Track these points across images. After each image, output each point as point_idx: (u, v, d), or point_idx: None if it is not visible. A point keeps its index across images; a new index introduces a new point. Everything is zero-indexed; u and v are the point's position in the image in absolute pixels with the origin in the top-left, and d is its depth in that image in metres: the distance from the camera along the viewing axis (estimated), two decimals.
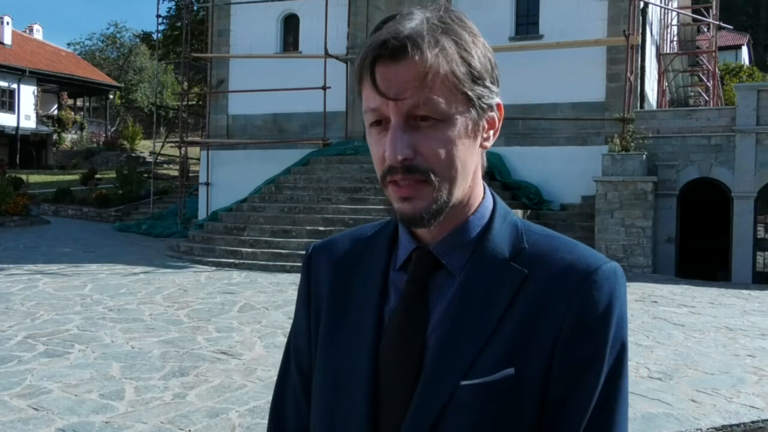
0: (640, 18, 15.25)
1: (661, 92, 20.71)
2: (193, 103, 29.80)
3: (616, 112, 14.21)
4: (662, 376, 5.69)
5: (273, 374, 5.35)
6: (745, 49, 41.50)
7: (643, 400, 5.02)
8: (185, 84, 21.57)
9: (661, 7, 18.75)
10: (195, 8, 26.74)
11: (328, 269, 1.07)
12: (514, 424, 0.90)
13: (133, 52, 45.66)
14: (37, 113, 35.09)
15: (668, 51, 21.82)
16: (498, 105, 0.96)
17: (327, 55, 16.37)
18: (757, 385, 5.50)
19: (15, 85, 34.00)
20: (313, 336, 1.06)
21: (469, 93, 0.91)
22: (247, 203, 15.83)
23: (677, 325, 7.86)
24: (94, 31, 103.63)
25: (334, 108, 16.53)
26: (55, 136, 35.80)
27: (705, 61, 22.96)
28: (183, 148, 19.47)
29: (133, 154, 32.42)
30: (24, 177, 23.74)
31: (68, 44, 55.50)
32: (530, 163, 15.16)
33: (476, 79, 0.91)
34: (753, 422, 4.65)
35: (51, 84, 36.66)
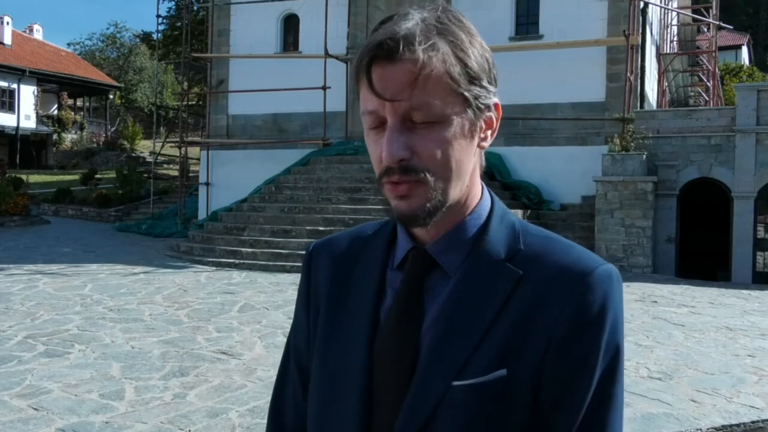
0: (640, 18, 15.25)
1: (661, 92, 20.71)
2: (193, 103, 29.80)
3: (616, 112, 14.22)
4: (662, 376, 5.69)
5: (273, 374, 5.34)
6: (745, 49, 41.50)
7: (643, 400, 5.02)
8: (185, 84, 21.57)
9: (661, 7, 18.75)
10: (195, 8, 26.74)
11: (328, 267, 1.08)
12: (507, 425, 0.89)
13: (133, 52, 45.66)
14: (37, 113, 35.10)
15: (668, 51, 21.82)
16: (496, 105, 0.96)
17: (327, 55, 16.37)
18: (757, 385, 5.50)
19: (15, 85, 34.00)
20: (312, 334, 1.06)
21: (465, 93, 0.91)
22: (247, 203, 15.84)
23: (677, 325, 7.86)
24: (94, 31, 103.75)
25: (334, 108, 16.53)
26: (55, 136, 35.80)
27: (705, 61, 22.96)
28: (183, 148, 19.48)
29: (133, 154, 32.42)
30: (24, 177, 23.74)
31: (68, 44, 55.58)
32: (530, 163, 15.16)
33: (472, 79, 0.91)
34: (753, 422, 4.65)
35: (51, 84, 36.66)
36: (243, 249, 13.39)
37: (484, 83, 0.93)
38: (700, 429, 4.51)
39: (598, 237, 13.23)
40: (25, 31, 39.41)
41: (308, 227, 13.67)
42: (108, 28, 64.25)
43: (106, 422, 4.53)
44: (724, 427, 4.56)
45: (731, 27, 25.85)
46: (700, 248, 14.37)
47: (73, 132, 37.18)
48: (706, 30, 23.06)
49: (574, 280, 0.91)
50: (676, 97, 26.09)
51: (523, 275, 0.93)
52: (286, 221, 14.21)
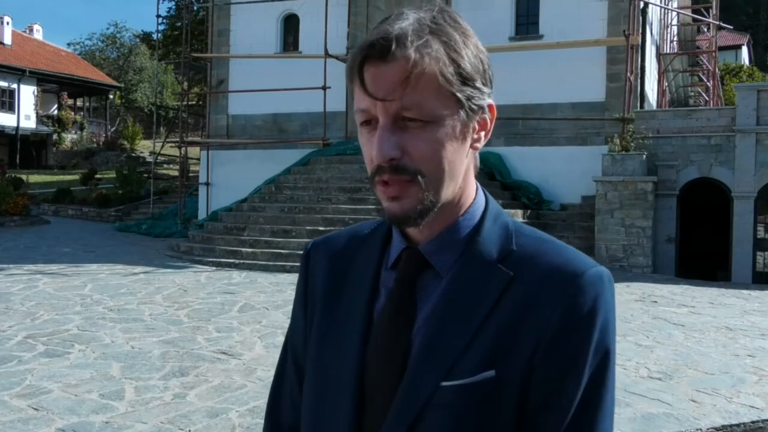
0: (640, 18, 15.25)
1: (661, 92, 20.71)
2: (193, 103, 29.80)
3: (616, 112, 14.21)
4: (662, 376, 5.69)
5: (273, 374, 5.35)
6: (745, 49, 41.50)
7: (643, 400, 5.02)
8: (185, 84, 21.56)
9: (661, 7, 18.75)
10: (195, 8, 26.74)
11: (325, 265, 1.08)
12: (495, 425, 0.90)
13: (133, 52, 45.66)
14: (37, 113, 35.09)
15: (668, 51, 21.82)
16: (490, 106, 0.96)
17: (327, 55, 16.37)
18: (757, 385, 5.50)
19: (15, 85, 34.00)
20: (309, 331, 1.07)
21: (458, 94, 0.90)
22: (247, 203, 15.84)
23: (677, 325, 7.86)
24: (94, 31, 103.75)
25: (334, 108, 16.52)
26: (55, 136, 35.80)
27: (705, 61, 22.96)
28: (183, 148, 19.47)
29: (133, 154, 32.42)
30: (24, 177, 23.74)
31: (68, 44, 55.57)
32: (530, 163, 15.16)
33: (465, 80, 0.91)
34: (753, 422, 4.65)
35: (51, 84, 36.66)
36: (243, 249, 13.39)
37: (478, 84, 0.92)
38: (700, 429, 4.51)
39: (598, 237, 13.23)
40: (25, 31, 39.41)
41: (308, 227, 13.67)
42: (108, 28, 64.35)
43: (106, 422, 4.53)
44: (724, 427, 4.56)
45: (731, 27, 25.85)
46: (700, 248, 14.37)
47: (73, 132, 37.18)
48: (706, 30, 23.06)
49: (565, 282, 0.91)
50: (676, 97, 26.09)
51: (514, 276, 0.93)
52: (286, 221, 14.21)
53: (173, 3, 34.25)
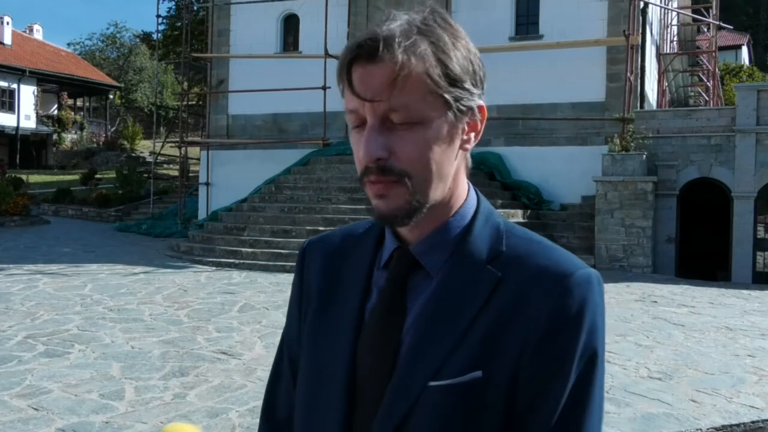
0: (640, 18, 15.25)
1: (661, 92, 20.71)
2: (193, 103, 29.80)
3: (616, 112, 14.21)
4: (662, 376, 5.69)
5: None
6: (745, 49, 41.50)
7: (643, 400, 5.02)
8: (185, 84, 21.56)
9: (661, 7, 18.75)
10: (195, 8, 26.75)
11: (320, 264, 1.09)
12: (482, 426, 0.90)
13: (133, 52, 45.66)
14: (37, 113, 35.09)
15: (668, 51, 21.82)
16: (480, 107, 0.95)
17: (327, 55, 16.36)
18: (757, 385, 5.50)
19: (15, 85, 34.00)
20: (303, 329, 1.08)
21: (446, 95, 0.91)
22: (247, 203, 15.84)
23: (677, 325, 7.86)
24: (94, 31, 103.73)
25: (334, 108, 16.50)
26: (55, 136, 35.80)
27: (705, 61, 22.96)
28: (183, 148, 19.48)
29: (133, 154, 32.42)
30: (24, 177, 23.74)
31: (68, 44, 55.55)
32: (530, 163, 15.15)
33: (453, 81, 0.91)
34: (753, 422, 4.65)
35: (51, 84, 36.66)
36: (243, 249, 13.39)
37: (467, 85, 0.92)
38: (700, 429, 4.51)
39: (598, 237, 13.23)
40: (25, 31, 39.41)
41: (308, 227, 13.67)
42: (108, 28, 64.34)
43: (106, 422, 4.53)
44: (724, 427, 4.57)
45: (731, 27, 25.86)
46: (700, 248, 14.37)
47: (73, 132, 37.18)
48: (706, 30, 23.06)
49: (552, 283, 0.91)
50: (676, 97, 26.09)
51: (503, 277, 0.93)
52: (286, 221, 14.21)
53: (173, 3, 34.30)
